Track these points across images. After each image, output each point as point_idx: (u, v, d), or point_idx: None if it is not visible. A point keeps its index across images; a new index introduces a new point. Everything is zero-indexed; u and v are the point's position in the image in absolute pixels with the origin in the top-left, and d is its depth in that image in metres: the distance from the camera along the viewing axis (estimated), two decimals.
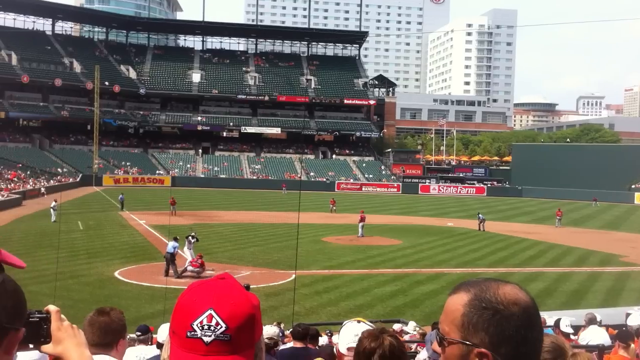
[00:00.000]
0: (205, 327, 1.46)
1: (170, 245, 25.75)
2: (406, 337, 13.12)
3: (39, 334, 1.76)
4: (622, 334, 7.09)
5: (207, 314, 1.47)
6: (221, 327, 1.46)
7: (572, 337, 10.20)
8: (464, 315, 1.58)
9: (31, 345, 1.77)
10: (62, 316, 1.82)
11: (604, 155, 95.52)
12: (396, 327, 13.97)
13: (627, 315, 11.16)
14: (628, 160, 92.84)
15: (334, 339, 11.20)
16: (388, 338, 3.03)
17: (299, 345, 7.51)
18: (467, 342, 1.54)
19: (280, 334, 10.25)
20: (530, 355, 1.56)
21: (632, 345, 6.64)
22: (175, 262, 25.65)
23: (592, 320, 11.21)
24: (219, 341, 1.46)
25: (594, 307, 19.47)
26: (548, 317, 12.12)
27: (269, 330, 7.89)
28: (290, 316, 16.09)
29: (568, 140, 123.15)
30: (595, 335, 9.98)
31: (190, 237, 28.00)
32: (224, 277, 1.60)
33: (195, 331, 1.47)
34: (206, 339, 1.46)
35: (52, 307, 1.80)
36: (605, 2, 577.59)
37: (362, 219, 41.08)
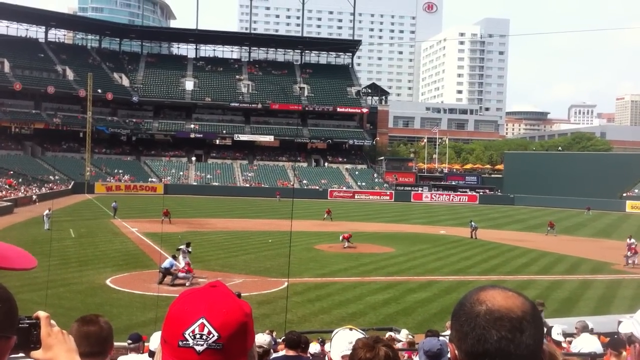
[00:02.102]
0: (197, 336, 1.45)
1: (168, 261, 25.79)
2: (399, 345, 13.10)
3: (29, 340, 1.75)
4: (614, 342, 7.10)
5: (199, 322, 1.46)
6: (213, 336, 1.45)
7: (563, 345, 10.22)
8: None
9: (21, 352, 1.76)
10: (52, 322, 1.81)
11: (596, 164, 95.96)
12: (393, 335, 13.94)
13: (619, 323, 11.19)
14: (619, 169, 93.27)
15: (327, 347, 11.17)
16: (383, 348, 3.02)
17: (291, 353, 7.48)
18: (446, 335, 1.63)
19: (272, 343, 10.22)
20: (492, 355, 1.53)
21: (624, 353, 6.65)
22: (171, 273, 25.67)
23: (584, 328, 11.23)
24: (211, 350, 1.45)
25: (586, 315, 19.51)
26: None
27: (260, 339, 7.85)
28: (282, 324, 16.05)
29: (560, 148, 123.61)
30: (588, 343, 10.00)
31: (184, 247, 27.88)
32: (215, 284, 1.58)
33: (187, 340, 1.46)
34: (198, 348, 1.45)
35: (41, 313, 1.79)
36: (597, 12, 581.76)
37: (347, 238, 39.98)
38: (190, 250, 28.26)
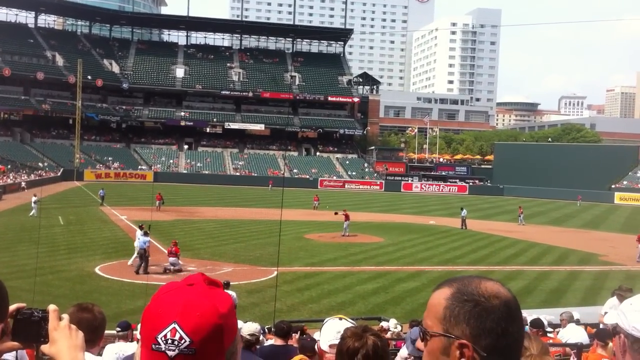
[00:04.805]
0: (169, 341, 1.41)
1: (142, 240, 25.41)
2: (388, 335, 13.16)
3: (39, 334, 1.76)
4: (601, 333, 7.16)
5: (170, 327, 1.42)
6: (185, 341, 1.41)
7: (549, 335, 10.29)
8: (446, 308, 1.62)
9: (33, 345, 1.77)
10: (63, 315, 1.80)
11: (585, 155, 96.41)
12: (384, 324, 13.98)
13: (605, 314, 11.29)
14: (608, 160, 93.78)
15: (316, 336, 11.20)
16: (371, 337, 3.03)
17: (279, 342, 7.50)
18: (449, 335, 1.58)
19: (261, 331, 10.24)
20: (511, 348, 1.58)
21: (610, 344, 6.70)
22: (147, 258, 25.35)
23: (570, 319, 11.31)
24: (184, 355, 1.41)
25: (573, 306, 19.64)
26: (528, 315, 12.22)
27: (251, 327, 7.87)
28: (271, 313, 16.07)
29: (550, 139, 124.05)
30: (574, 334, 10.08)
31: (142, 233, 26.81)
32: (193, 282, 1.52)
33: (159, 344, 1.42)
34: (170, 353, 1.41)
35: (51, 307, 1.79)
36: (588, 3, 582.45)
37: (347, 217, 40.53)
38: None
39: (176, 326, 1.42)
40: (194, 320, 1.43)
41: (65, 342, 1.75)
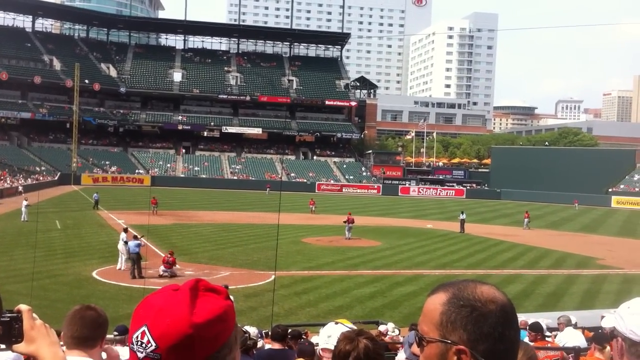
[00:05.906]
0: (139, 342, 1.45)
1: (133, 244, 25.34)
2: (387, 339, 13.17)
3: (10, 334, 1.75)
4: (598, 337, 7.16)
5: (141, 330, 1.46)
6: (151, 345, 1.44)
7: (547, 338, 10.30)
8: (443, 313, 1.60)
9: (2, 345, 1.76)
10: (34, 315, 1.81)
11: (582, 159, 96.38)
12: (382, 328, 14.00)
13: (602, 317, 11.29)
14: (605, 164, 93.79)
15: (314, 339, 11.19)
16: (363, 341, 3.03)
17: (277, 346, 7.50)
18: (446, 340, 1.57)
19: (259, 335, 10.24)
20: (508, 352, 1.57)
21: (608, 348, 6.71)
22: (140, 261, 25.23)
23: (568, 322, 11.32)
24: (150, 359, 1.45)
25: (571, 310, 19.66)
26: (526, 318, 12.23)
27: (248, 331, 7.87)
28: (269, 317, 16.06)
29: (547, 143, 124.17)
30: (572, 337, 10.09)
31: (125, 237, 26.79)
32: (177, 288, 1.53)
33: (133, 344, 1.47)
34: (139, 354, 1.45)
35: (23, 307, 1.79)
36: (585, 8, 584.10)
37: (350, 221, 40.65)
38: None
39: (146, 329, 1.45)
40: (163, 327, 1.45)
41: (44, 340, 1.76)
